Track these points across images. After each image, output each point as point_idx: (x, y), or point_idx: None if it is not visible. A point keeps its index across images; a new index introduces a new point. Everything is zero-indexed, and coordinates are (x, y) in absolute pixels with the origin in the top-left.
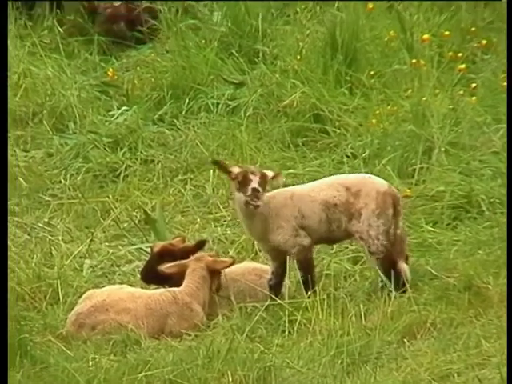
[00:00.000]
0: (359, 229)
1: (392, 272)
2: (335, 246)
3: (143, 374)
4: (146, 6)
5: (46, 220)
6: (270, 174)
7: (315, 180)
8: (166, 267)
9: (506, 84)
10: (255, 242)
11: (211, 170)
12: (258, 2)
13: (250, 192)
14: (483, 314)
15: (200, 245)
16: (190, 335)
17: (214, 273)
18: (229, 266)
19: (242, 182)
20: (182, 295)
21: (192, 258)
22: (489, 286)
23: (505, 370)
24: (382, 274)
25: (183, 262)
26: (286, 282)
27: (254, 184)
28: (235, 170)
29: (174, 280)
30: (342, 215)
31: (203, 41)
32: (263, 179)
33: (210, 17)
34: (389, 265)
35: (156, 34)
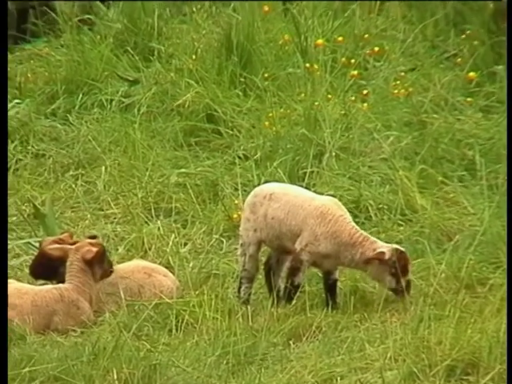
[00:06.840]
0: None
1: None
2: (224, 246)
3: (27, 369)
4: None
5: None
6: None
7: (206, 179)
8: (51, 248)
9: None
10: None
11: (103, 167)
12: (154, 1)
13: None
14: (367, 318)
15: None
16: (76, 331)
17: (92, 261)
18: (97, 255)
19: (401, 270)
20: (69, 292)
21: (75, 246)
22: (374, 291)
23: (386, 374)
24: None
25: (67, 246)
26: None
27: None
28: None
29: (63, 276)
30: None
31: (98, 36)
32: None
33: (106, 13)
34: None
35: (51, 27)
